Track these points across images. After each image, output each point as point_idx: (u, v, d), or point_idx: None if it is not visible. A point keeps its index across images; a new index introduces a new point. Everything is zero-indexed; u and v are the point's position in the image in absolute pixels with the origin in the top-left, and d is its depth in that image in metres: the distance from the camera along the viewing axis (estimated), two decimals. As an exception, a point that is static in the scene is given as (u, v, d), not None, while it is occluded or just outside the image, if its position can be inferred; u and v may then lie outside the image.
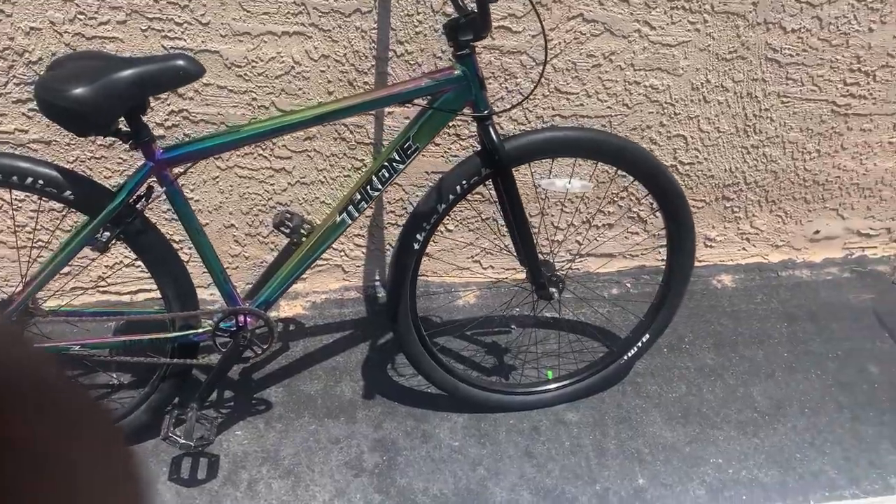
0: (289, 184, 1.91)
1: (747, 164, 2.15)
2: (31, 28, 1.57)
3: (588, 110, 1.92)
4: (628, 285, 2.30)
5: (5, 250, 1.89)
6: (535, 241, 1.59)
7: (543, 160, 1.73)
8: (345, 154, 1.89)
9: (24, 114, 1.68)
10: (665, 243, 1.75)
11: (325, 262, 2.10)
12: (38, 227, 1.83)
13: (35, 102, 1.58)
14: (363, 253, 2.10)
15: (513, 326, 2.10)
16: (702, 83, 1.94)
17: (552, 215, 2.10)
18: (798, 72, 1.96)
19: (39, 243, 1.84)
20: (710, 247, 2.34)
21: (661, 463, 1.77)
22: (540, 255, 1.64)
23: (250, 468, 1.66)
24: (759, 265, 2.39)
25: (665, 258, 1.77)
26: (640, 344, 1.86)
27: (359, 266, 2.13)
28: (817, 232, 2.36)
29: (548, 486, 1.69)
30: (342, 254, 2.09)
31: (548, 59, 1.43)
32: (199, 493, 1.60)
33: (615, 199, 2.12)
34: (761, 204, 2.25)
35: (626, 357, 1.87)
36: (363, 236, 2.07)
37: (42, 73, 1.26)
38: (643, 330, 1.86)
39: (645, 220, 2.20)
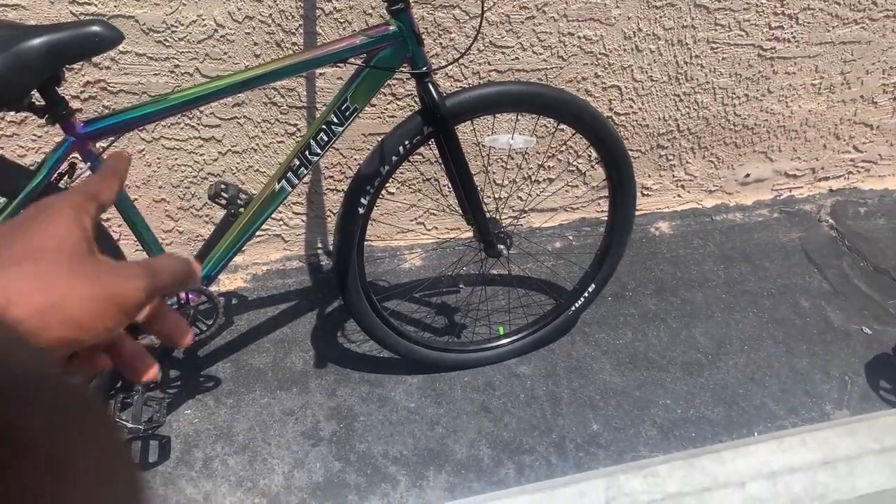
0: (220, 153, 1.84)
1: (680, 112, 2.18)
2: (-79, -4, 1.44)
3: (524, 64, 1.91)
4: (570, 238, 2.33)
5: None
6: (480, 198, 1.57)
7: (485, 116, 1.70)
8: (277, 119, 1.82)
9: (-79, 91, 1.55)
10: (606, 195, 1.77)
11: (264, 233, 2.04)
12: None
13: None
14: (303, 221, 2.05)
15: (461, 285, 2.10)
16: (634, 32, 1.94)
17: (494, 173, 2.09)
18: (726, 17, 1.99)
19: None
20: (647, 195, 2.38)
21: (612, 408, 1.81)
22: (486, 213, 1.63)
23: (204, 446, 1.62)
24: (694, 210, 2.45)
25: (607, 209, 1.79)
26: (586, 294, 1.89)
27: (300, 235, 2.07)
28: (748, 175, 2.43)
29: (506, 438, 1.71)
30: (281, 223, 2.03)
31: (484, 12, 1.40)
32: (151, 476, 1.56)
33: (555, 153, 2.13)
34: (694, 151, 2.29)
35: (573, 308, 1.90)
36: (302, 204, 2.01)
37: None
38: (588, 280, 1.89)
39: (584, 172, 2.21)
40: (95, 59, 1.59)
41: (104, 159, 0.40)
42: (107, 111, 1.65)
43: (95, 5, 1.51)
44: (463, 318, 2.01)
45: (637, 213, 2.37)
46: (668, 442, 1.74)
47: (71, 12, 1.52)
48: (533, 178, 2.16)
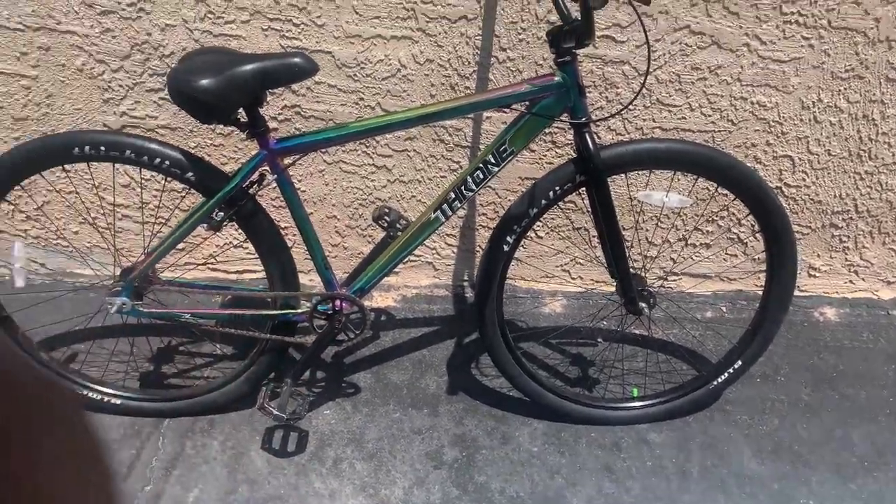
0: (388, 181, 1.99)
1: (859, 192, 2.04)
2: (167, 25, 1.72)
3: (690, 124, 1.90)
4: (724, 309, 2.23)
5: (131, 224, 2.06)
6: (627, 254, 1.58)
7: (640, 172, 1.72)
8: (442, 155, 1.95)
9: (154, 102, 1.84)
10: (765, 267, 1.69)
11: (418, 259, 2.16)
12: (161, 205, 1.98)
13: (166, 91, 1.73)
14: (454, 252, 2.15)
15: (599, 339, 2.09)
16: (813, 102, 1.87)
17: (647, 230, 2.08)
18: (923, 95, 1.86)
19: (161, 220, 1.99)
20: (814, 276, 2.24)
21: (746, 495, 1.70)
22: (632, 269, 1.63)
23: (336, 447, 1.74)
24: (867, 301, 2.26)
25: (764, 283, 1.71)
26: (731, 370, 1.80)
27: (449, 265, 2.18)
28: (936, 267, 2.21)
29: (626, 503, 1.67)
30: (434, 252, 2.15)
31: (650, 69, 1.43)
32: (287, 464, 1.69)
33: (714, 217, 2.07)
34: (873, 235, 2.13)
35: (716, 382, 1.82)
36: (455, 236, 2.12)
37: (174, 65, 1.38)
38: (736, 355, 1.80)
39: (745, 242, 2.13)
40: (294, 87, 1.80)
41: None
42: (297, 132, 1.85)
43: (300, 40, 1.72)
44: (597, 373, 1.99)
45: (800, 294, 2.24)
46: (803, 541, 1.61)
47: (280, 45, 1.74)
48: (688, 240, 2.12)
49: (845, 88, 1.85)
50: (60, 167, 1.58)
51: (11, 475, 0.21)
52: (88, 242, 2.11)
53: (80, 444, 0.26)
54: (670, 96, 1.85)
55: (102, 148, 1.42)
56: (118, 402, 1.76)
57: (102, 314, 1.90)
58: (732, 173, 1.50)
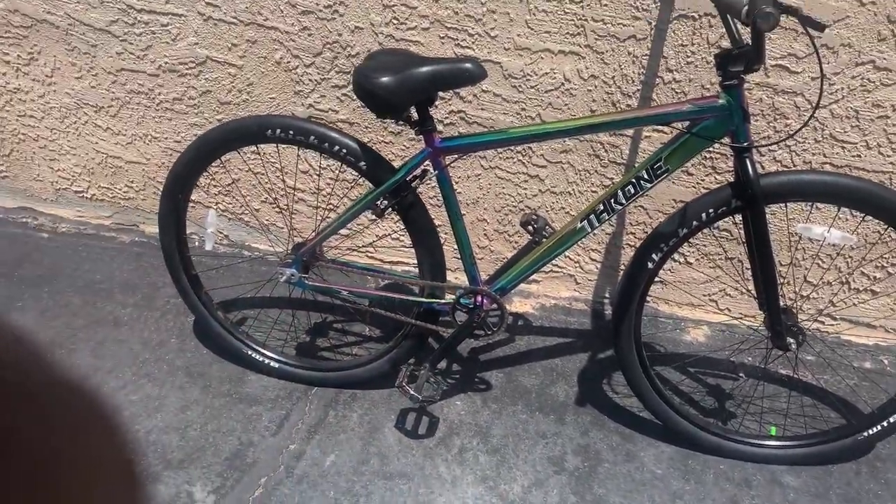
0: (539, 190, 2.05)
1: None
2: (356, 27, 1.89)
3: (865, 163, 1.79)
4: (885, 362, 2.08)
5: (304, 207, 2.28)
6: (778, 285, 1.53)
7: (801, 203, 1.65)
8: (596, 171, 1.98)
9: (338, 97, 2.03)
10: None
11: (560, 270, 2.20)
12: (333, 192, 2.18)
13: (350, 88, 1.90)
14: (596, 268, 2.17)
15: (741, 374, 2.02)
16: None
17: (805, 268, 1.98)
18: None
19: (331, 206, 2.18)
20: None
21: (885, 557, 1.59)
22: (782, 303, 1.58)
23: (463, 437, 1.82)
24: None
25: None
26: (886, 423, 1.69)
27: (591, 280, 2.20)
28: None
29: (746, 540, 1.61)
30: (577, 265, 2.18)
31: (821, 101, 1.39)
32: (416, 445, 1.80)
33: (884, 263, 1.94)
34: None
35: (867, 433, 1.71)
36: (599, 252, 2.13)
37: (360, 62, 1.53)
38: (893, 409, 1.68)
39: (919, 292, 1.97)
40: (462, 93, 1.92)
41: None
42: (460, 134, 1.97)
43: (473, 49, 1.84)
44: (734, 407, 1.93)
45: (982, 355, 2.03)
46: None
47: (454, 52, 1.86)
48: (850, 284, 1.99)
49: None
50: (255, 146, 1.79)
51: (22, 482, 0.20)
52: (267, 220, 2.35)
53: (102, 449, 0.25)
54: (845, 132, 1.77)
55: (291, 132, 1.61)
56: (276, 365, 1.95)
57: (272, 284, 2.12)
58: (904, 213, 1.42)
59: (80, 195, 2.51)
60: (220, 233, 2.42)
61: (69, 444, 0.22)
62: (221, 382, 1.97)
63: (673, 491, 1.71)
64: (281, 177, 2.21)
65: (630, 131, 1.87)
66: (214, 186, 2.33)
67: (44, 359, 0.23)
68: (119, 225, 2.55)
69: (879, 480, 1.74)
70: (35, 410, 0.21)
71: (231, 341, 1.98)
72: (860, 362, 2.06)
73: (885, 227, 1.47)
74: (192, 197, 1.86)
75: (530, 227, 1.75)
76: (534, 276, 2.19)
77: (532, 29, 1.78)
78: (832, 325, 2.08)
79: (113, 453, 0.25)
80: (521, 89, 1.88)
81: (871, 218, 1.49)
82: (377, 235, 2.26)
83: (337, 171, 2.15)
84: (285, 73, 2.03)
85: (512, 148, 1.98)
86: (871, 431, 1.70)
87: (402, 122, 1.53)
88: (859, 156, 1.78)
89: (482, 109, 1.93)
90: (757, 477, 1.75)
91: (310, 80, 2.02)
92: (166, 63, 2.11)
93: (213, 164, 1.75)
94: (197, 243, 2.38)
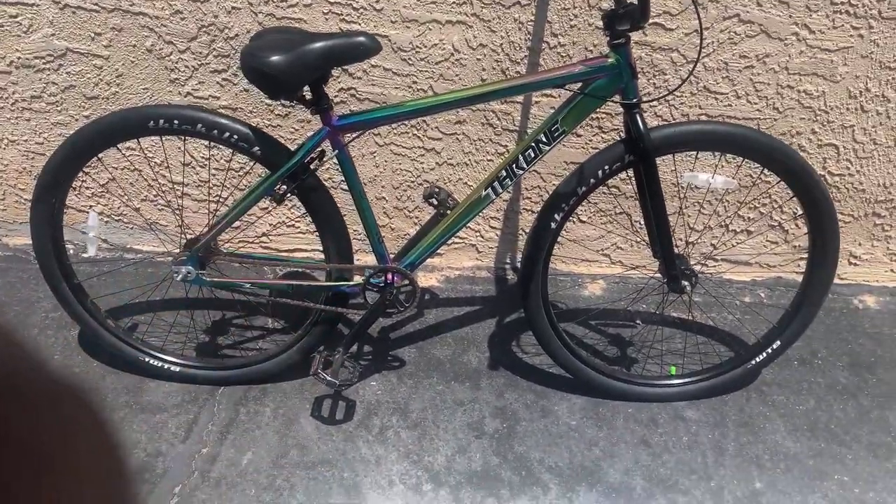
0: (437, 164, 2.05)
1: (904, 180, 2.06)
2: (233, 7, 1.80)
3: (736, 111, 1.93)
4: (762, 295, 2.26)
5: (189, 202, 2.16)
6: (671, 232, 1.62)
7: (687, 153, 1.76)
8: (490, 139, 2.00)
9: (218, 83, 1.92)
10: (807, 250, 1.73)
11: (462, 241, 2.22)
12: (222, 183, 2.07)
13: (230, 73, 1.81)
14: (497, 235, 2.21)
15: (638, 321, 2.13)
16: (860, 91, 1.89)
17: (689, 216, 2.12)
18: (971, 85, 1.87)
19: (219, 198, 2.08)
20: (855, 265, 2.25)
21: (780, 471, 1.74)
22: (675, 249, 1.68)
23: (382, 416, 1.81)
24: (908, 289, 2.28)
25: (806, 264, 1.75)
26: (769, 350, 1.84)
27: (492, 247, 2.24)
28: (979, 259, 2.21)
29: (662, 475, 1.72)
30: (477, 234, 2.21)
31: (700, 56, 1.47)
32: (336, 431, 1.77)
33: (756, 204, 2.10)
34: (917, 224, 2.15)
35: (753, 362, 1.86)
36: (498, 219, 2.17)
37: (247, 42, 1.46)
38: (774, 336, 1.84)
39: (786, 229, 2.16)
40: (350, 69, 1.88)
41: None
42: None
43: (359, 24, 1.80)
44: (635, 353, 2.04)
45: (840, 281, 2.26)
46: (838, 517, 1.64)
47: (339, 28, 1.81)
48: (729, 226, 2.15)
49: (893, 78, 1.87)
50: (135, 140, 1.68)
51: (12, 481, 0.20)
52: (150, 218, 2.21)
53: (94, 447, 0.25)
54: (717, 84, 1.89)
55: (176, 122, 1.51)
56: (177, 369, 1.85)
57: (163, 286, 2.00)
58: (778, 155, 1.54)
59: (-73, 209, 2.26)
60: (99, 237, 2.25)
61: (58, 440, 0.21)
62: (118, 394, 1.84)
63: (588, 439, 1.79)
64: (166, 172, 2.08)
65: (521, 98, 1.91)
66: (88, 188, 2.16)
67: (31, 355, 0.23)
68: (-23, 238, 2.31)
69: (767, 403, 1.91)
70: (23, 406, 0.21)
71: (125, 349, 1.85)
72: (741, 298, 2.23)
73: (761, 168, 1.59)
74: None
75: (433, 200, 1.75)
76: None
77: (418, 0, 1.77)
78: (714, 266, 2.24)
79: (102, 449, 0.25)
80: (411, 62, 1.86)
81: (749, 161, 1.60)
82: (271, 224, 2.19)
83: (223, 161, 2.05)
84: (158, 60, 1.90)
85: (406, 122, 1.96)
86: (757, 360, 1.85)
87: (295, 103, 1.47)
88: (730, 105, 1.91)
89: (373, 85, 1.90)
90: (662, 415, 1.87)
91: (186, 66, 1.90)
92: (19, 58, 1.92)
93: (89, 162, 1.61)
94: (72, 251, 2.20)
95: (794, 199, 1.63)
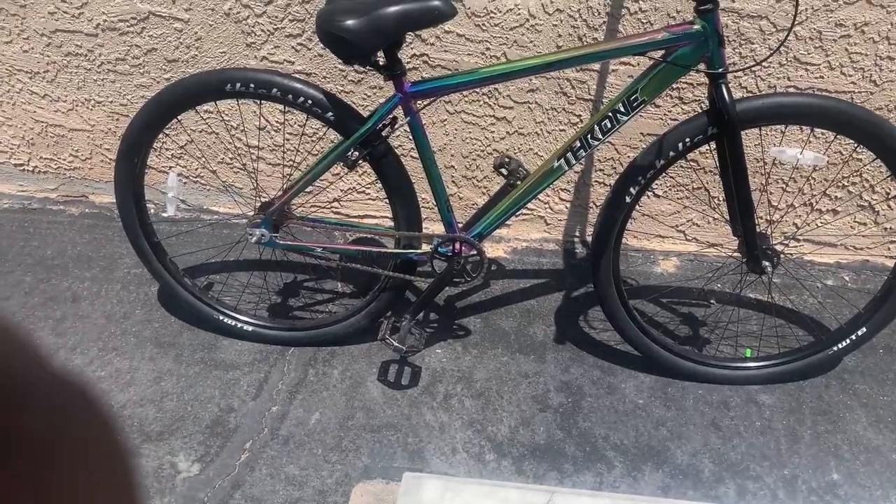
0: (507, 133, 2.02)
1: None
2: (310, -28, 1.80)
3: (828, 84, 1.82)
4: (846, 279, 2.15)
5: (265, 165, 2.20)
6: (754, 209, 1.55)
7: (775, 126, 1.67)
8: (564, 109, 1.95)
9: (293, 47, 1.94)
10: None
11: (530, 213, 2.19)
12: (297, 149, 2.10)
13: (305, 37, 1.82)
14: (566, 208, 2.17)
15: (712, 301, 2.06)
16: (971, 62, 1.75)
17: (772, 193, 2.02)
18: None
19: (293, 163, 2.11)
20: (953, 250, 2.11)
21: (860, 463, 1.67)
22: (757, 228, 1.60)
23: (446, 384, 1.82)
24: None
25: (897, 247, 1.65)
26: (853, 337, 1.75)
27: (561, 220, 2.20)
28: None
29: (732, 459, 1.67)
30: (546, 206, 2.17)
31: (794, 24, 1.39)
32: (401, 396, 1.79)
33: (846, 183, 1.99)
34: None
35: (835, 348, 1.77)
36: (569, 192, 2.13)
37: (323, 6, 1.46)
38: (860, 323, 1.75)
39: (878, 210, 2.03)
40: (423, 35, 1.85)
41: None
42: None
43: (436, -11, 1.77)
44: (708, 333, 1.97)
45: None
46: (920, 514, 1.56)
47: (415, -6, 1.79)
48: (815, 206, 2.04)
49: None
50: (213, 103, 1.71)
51: (14, 483, 0.19)
52: (225, 180, 2.26)
53: (99, 448, 0.24)
54: (809, 54, 1.78)
55: (252, 85, 1.53)
56: (249, 328, 1.90)
57: (238, 247, 2.06)
58: (875, 130, 1.45)
59: (21, 168, 2.37)
60: (178, 197, 2.32)
61: (63, 437, 0.21)
62: (194, 350, 1.91)
63: (656, 419, 1.76)
64: (242, 136, 2.12)
65: (597, 66, 1.85)
66: (168, 149, 2.22)
67: (27, 343, 0.23)
68: (66, 197, 2.42)
69: (848, 392, 1.82)
70: (27, 406, 0.21)
71: (201, 307, 1.92)
72: (823, 281, 2.13)
73: (855, 145, 1.49)
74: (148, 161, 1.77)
75: (503, 171, 1.72)
76: (505, 220, 2.18)
77: (493, -37, 1.73)
78: (796, 246, 2.13)
79: (98, 431, 0.25)
80: (484, 28, 1.82)
81: (841, 137, 1.51)
82: (342, 190, 2.20)
83: (297, 126, 2.07)
84: (235, 24, 1.92)
85: (478, 90, 1.93)
86: (839, 346, 1.77)
87: (369, 68, 1.47)
88: (822, 77, 1.80)
89: (445, 52, 1.88)
90: (734, 398, 1.81)
91: (262, 30, 1.92)
92: (105, 21, 1.98)
93: (169, 124, 1.66)
94: (153, 210, 2.27)
95: (892, 178, 1.53)
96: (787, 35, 1.38)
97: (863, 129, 1.45)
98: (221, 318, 1.91)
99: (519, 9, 1.79)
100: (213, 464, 1.65)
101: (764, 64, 1.79)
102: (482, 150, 2.07)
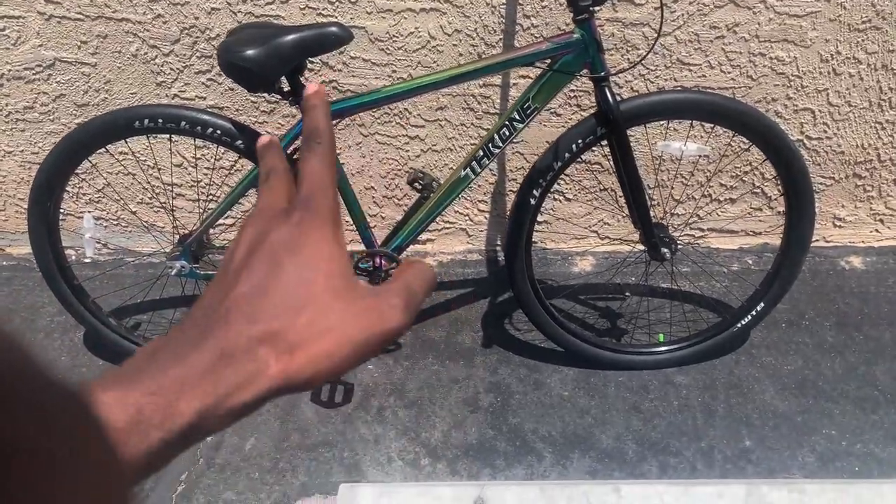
0: (422, 150, 2.10)
1: (881, 141, 2.09)
2: (212, 8, 1.85)
3: (711, 82, 1.97)
4: (749, 262, 2.30)
5: (184, 202, 2.22)
6: (647, 201, 1.67)
7: (658, 122, 1.80)
8: (472, 123, 2.05)
9: (203, 83, 1.98)
10: (784, 209, 1.77)
11: (452, 225, 2.27)
12: (211, 181, 2.13)
13: (214, 73, 1.87)
14: (486, 218, 2.25)
15: (627, 293, 2.18)
16: (832, 55, 1.92)
17: (672, 187, 2.16)
18: (940, 41, 1.90)
19: (210, 196, 2.14)
20: (840, 227, 2.29)
21: (769, 428, 1.79)
22: (654, 219, 1.72)
23: (380, 397, 1.87)
24: (894, 248, 2.31)
25: (784, 224, 1.78)
26: (754, 312, 1.88)
27: (482, 230, 2.28)
28: (962, 214, 2.24)
29: (653, 438, 1.76)
30: (467, 218, 2.25)
31: (662, 25, 1.51)
32: (335, 414, 1.82)
33: (738, 172, 2.14)
34: (898, 183, 2.18)
35: (739, 325, 1.90)
36: (486, 202, 2.22)
37: (224, 38, 1.51)
38: (758, 298, 1.88)
39: (769, 195, 2.19)
40: (330, 63, 1.92)
41: (306, 97, 0.40)
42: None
43: (336, 17, 1.84)
44: (625, 323, 2.08)
45: (826, 244, 2.30)
46: (825, 471, 1.68)
47: (318, 22, 1.86)
48: (712, 195, 2.19)
49: (863, 40, 1.90)
50: (123, 141, 1.73)
51: (13, 495, 0.19)
52: (146, 221, 2.27)
53: (95, 457, 0.24)
54: (690, 55, 1.92)
55: (160, 120, 1.56)
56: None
57: (160, 286, 2.06)
58: (744, 119, 1.58)
59: (-69, 223, 2.32)
60: (99, 241, 2.31)
61: (59, 444, 0.22)
62: (126, 390, 1.90)
63: (580, 408, 1.84)
64: (157, 173, 2.13)
65: (498, 80, 1.95)
66: (84, 193, 2.22)
67: (32, 358, 0.22)
68: (-19, 249, 2.38)
69: (756, 365, 1.95)
70: (25, 409, 0.21)
71: (127, 346, 1.91)
72: (729, 266, 2.27)
73: (732, 134, 1.63)
74: (63, 207, 1.77)
75: (417, 185, 1.80)
76: (428, 235, 2.26)
77: (389, -10, 1.81)
78: (701, 235, 2.27)
79: (101, 453, 0.25)
80: (388, 51, 1.91)
81: (720, 129, 1.64)
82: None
83: (213, 160, 2.10)
84: (144, 65, 1.95)
85: (389, 110, 2.01)
86: (743, 322, 1.89)
87: (275, 95, 1.52)
88: (705, 76, 1.95)
89: (353, 76, 1.95)
90: (652, 382, 1.91)
91: (171, 69, 1.96)
92: (10, 70, 1.98)
93: (80, 166, 1.67)
94: (73, 256, 2.26)
95: (767, 161, 1.67)
96: (656, 40, 1.51)
97: (733, 119, 1.58)
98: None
99: (419, 31, 1.88)
100: (149, 499, 1.65)
101: (649, 68, 1.93)
102: (399, 170, 2.15)
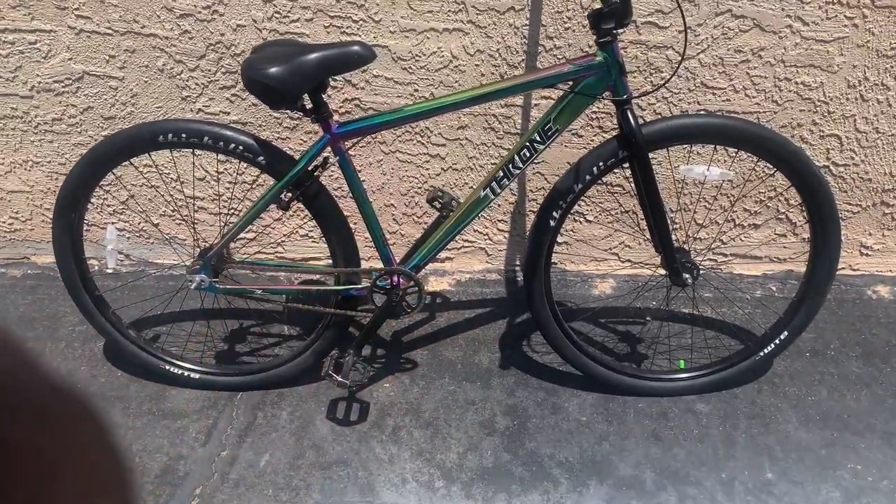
0: (442, 169, 2.10)
1: (911, 168, 2.05)
2: (238, 25, 1.87)
3: (735, 106, 1.95)
4: (773, 289, 2.26)
5: (206, 215, 2.23)
6: (669, 225, 1.65)
7: (681, 146, 1.78)
8: (493, 143, 2.05)
9: (227, 98, 2.00)
10: (809, 237, 1.74)
11: (471, 245, 2.26)
12: (233, 196, 2.15)
13: (239, 88, 1.89)
14: (505, 238, 2.24)
15: (648, 318, 2.15)
16: (859, 81, 1.90)
17: (695, 211, 2.13)
18: (971, 69, 1.86)
19: (231, 210, 2.15)
20: (867, 255, 2.24)
21: (792, 461, 1.74)
22: (676, 243, 1.69)
23: (395, 416, 1.85)
24: (923, 278, 2.26)
25: (809, 252, 1.75)
26: (777, 341, 1.84)
27: (501, 250, 2.27)
28: None
29: (672, 467, 1.73)
30: (486, 238, 2.25)
31: (686, 49, 1.50)
32: (350, 432, 1.81)
33: (762, 197, 2.11)
34: (927, 211, 2.13)
35: (762, 353, 1.86)
36: (506, 222, 2.21)
37: (247, 56, 1.53)
38: (782, 327, 1.84)
39: (794, 221, 2.16)
40: (353, 80, 1.94)
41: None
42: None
43: (359, 35, 1.86)
44: (645, 349, 2.05)
45: (852, 273, 2.26)
46: (851, 506, 1.64)
47: (341, 41, 1.87)
48: (735, 221, 2.16)
49: (892, 66, 1.88)
50: (147, 155, 1.75)
51: (14, 492, 0.19)
52: (168, 233, 2.29)
53: (96, 457, 0.24)
54: (714, 79, 1.91)
55: (184, 135, 1.58)
56: (196, 376, 1.91)
57: (181, 298, 2.08)
58: (768, 144, 1.56)
59: (-41, 231, 2.36)
60: (121, 252, 2.33)
61: (61, 447, 0.21)
62: (141, 402, 1.91)
63: (598, 434, 1.81)
64: (180, 186, 2.16)
65: (520, 101, 1.95)
66: (108, 205, 2.25)
67: (32, 360, 0.22)
68: (7, 260, 2.41)
69: (779, 394, 1.91)
70: (26, 413, 0.21)
71: (146, 358, 1.92)
72: (752, 293, 2.23)
73: (756, 159, 1.61)
74: (88, 218, 1.79)
75: (437, 203, 1.79)
76: (447, 254, 2.26)
77: (414, 10, 1.83)
78: (724, 261, 2.24)
79: (105, 455, 0.25)
80: (411, 70, 1.92)
81: (744, 153, 1.62)
82: (284, 234, 2.25)
83: (235, 174, 2.12)
84: (170, 79, 1.98)
85: (410, 129, 2.01)
86: (766, 350, 1.86)
87: (297, 113, 1.53)
88: (729, 100, 1.93)
89: (376, 94, 1.96)
90: (673, 409, 1.88)
91: (196, 84, 1.98)
92: (40, 83, 2.02)
93: (104, 178, 1.69)
94: (97, 267, 2.28)
95: (792, 187, 1.65)
96: (680, 63, 1.49)
97: (757, 144, 1.56)
98: (168, 367, 1.91)
99: (442, 51, 1.89)
100: (163, 514, 1.65)
101: (672, 91, 1.91)
102: (419, 188, 2.15)
